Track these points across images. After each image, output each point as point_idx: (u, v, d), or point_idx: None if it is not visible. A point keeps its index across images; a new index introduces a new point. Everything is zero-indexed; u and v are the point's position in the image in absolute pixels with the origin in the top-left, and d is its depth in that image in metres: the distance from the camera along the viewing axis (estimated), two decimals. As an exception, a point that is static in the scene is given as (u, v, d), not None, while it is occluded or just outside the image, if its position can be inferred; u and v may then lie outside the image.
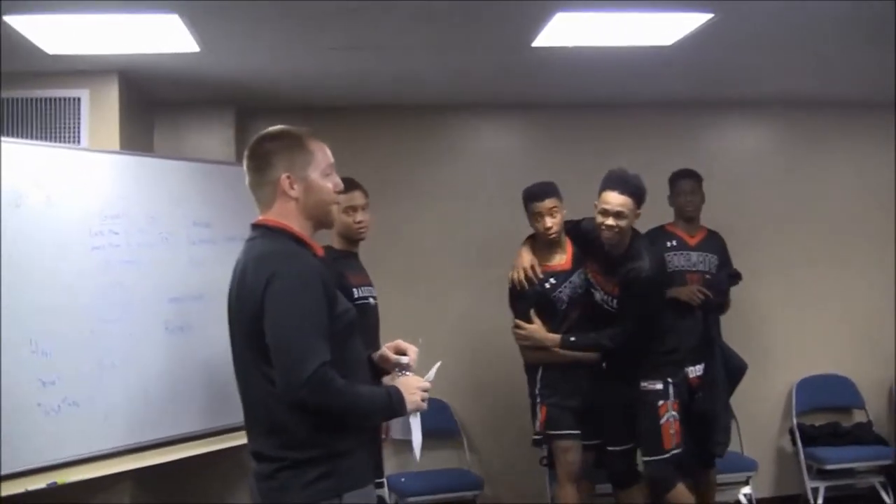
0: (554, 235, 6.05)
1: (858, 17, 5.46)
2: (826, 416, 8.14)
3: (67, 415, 5.26)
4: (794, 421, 7.99)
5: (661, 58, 6.29)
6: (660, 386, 5.98)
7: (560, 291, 6.13)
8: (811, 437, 7.87)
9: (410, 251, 7.70)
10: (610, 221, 5.72)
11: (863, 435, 7.90)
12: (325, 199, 3.53)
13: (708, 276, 6.90)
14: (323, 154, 3.55)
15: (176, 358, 5.88)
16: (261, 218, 3.57)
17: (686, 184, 6.97)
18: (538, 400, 6.24)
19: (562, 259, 6.18)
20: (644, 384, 5.98)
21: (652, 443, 5.99)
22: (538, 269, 6.10)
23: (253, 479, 3.47)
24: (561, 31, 5.58)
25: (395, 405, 3.44)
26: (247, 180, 3.62)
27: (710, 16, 5.35)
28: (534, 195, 6.04)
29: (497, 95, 7.71)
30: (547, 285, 6.14)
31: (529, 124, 8.21)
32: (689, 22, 5.51)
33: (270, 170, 3.49)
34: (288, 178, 3.46)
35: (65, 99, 6.21)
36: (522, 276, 6.09)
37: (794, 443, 7.89)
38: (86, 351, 5.39)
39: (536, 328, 6.11)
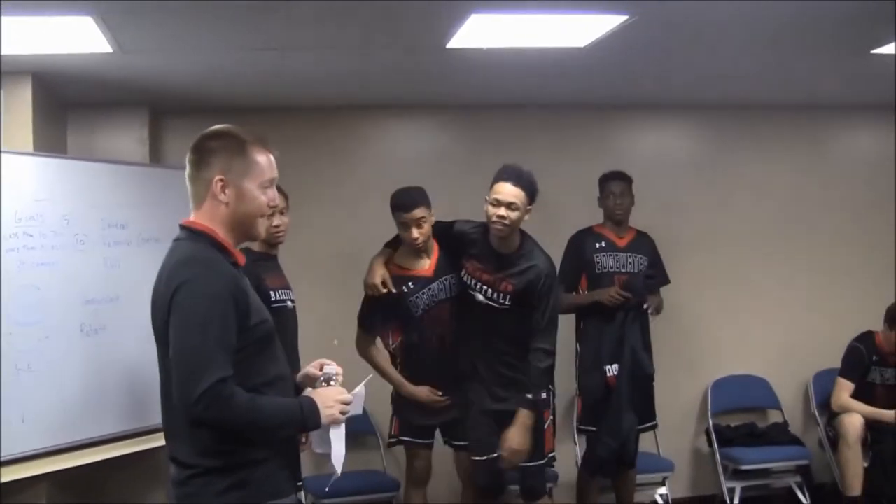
0: (419, 245, 5.94)
1: (768, 21, 5.53)
2: (742, 416, 8.22)
3: (-17, 417, 5.24)
4: (710, 421, 8.05)
5: (575, 59, 6.31)
6: (544, 395, 5.89)
7: (416, 297, 6.01)
8: (727, 437, 7.91)
9: (325, 253, 7.70)
10: (501, 212, 5.62)
11: (778, 435, 7.96)
12: (253, 212, 3.42)
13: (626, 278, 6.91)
14: (267, 164, 3.44)
15: (92, 360, 5.86)
16: (189, 218, 3.46)
17: (616, 185, 6.97)
18: (392, 411, 6.32)
19: (424, 265, 6.07)
20: (529, 395, 5.80)
21: (536, 449, 5.91)
22: (389, 284, 5.98)
23: (170, 484, 3.43)
24: (475, 33, 5.57)
25: (306, 418, 3.38)
26: (186, 171, 3.47)
27: (625, 17, 5.36)
28: (400, 205, 5.91)
29: (411, 96, 7.74)
30: (404, 289, 6.01)
31: (443, 125, 8.24)
32: (604, 23, 5.51)
33: (206, 168, 3.38)
34: (221, 181, 3.35)
35: (-23, 100, 6.15)
36: (371, 289, 6.01)
37: (710, 443, 7.93)
38: (1, 354, 5.35)
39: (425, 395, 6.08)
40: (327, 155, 7.91)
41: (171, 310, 3.21)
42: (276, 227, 5.58)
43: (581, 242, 6.95)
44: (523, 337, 5.86)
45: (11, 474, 5.38)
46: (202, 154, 3.41)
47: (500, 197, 5.65)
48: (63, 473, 5.76)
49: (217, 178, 3.35)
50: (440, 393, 6.05)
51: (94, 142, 7.20)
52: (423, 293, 6.01)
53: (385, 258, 6.10)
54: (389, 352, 6.20)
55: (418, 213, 5.86)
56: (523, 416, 5.77)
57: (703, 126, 8.52)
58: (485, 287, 5.88)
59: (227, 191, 3.36)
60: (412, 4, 5.07)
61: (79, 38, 5.40)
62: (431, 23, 5.44)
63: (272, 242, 5.71)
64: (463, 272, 5.97)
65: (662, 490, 7.63)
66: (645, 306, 6.91)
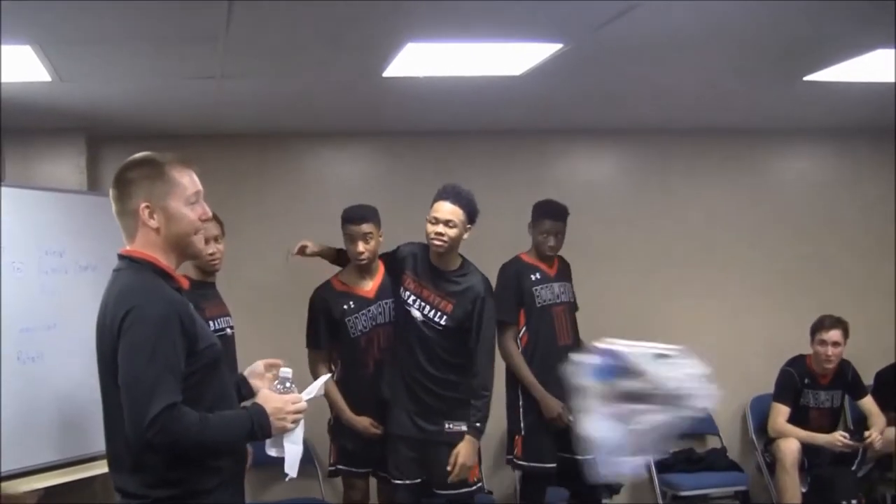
0: (364, 261, 6.01)
1: (704, 47, 5.61)
2: (680, 442, 8.11)
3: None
4: (648, 447, 8.04)
5: (511, 87, 6.37)
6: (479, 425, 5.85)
7: (355, 318, 6.08)
8: (665, 463, 7.83)
9: (259, 279, 7.70)
10: (439, 229, 5.66)
11: (717, 461, 7.98)
12: (185, 230, 3.42)
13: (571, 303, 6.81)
14: (189, 180, 3.44)
15: (29, 388, 5.82)
16: (126, 248, 3.46)
17: (550, 225, 6.67)
18: (330, 437, 6.36)
19: (366, 286, 6.14)
20: (450, 425, 5.85)
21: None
22: (311, 248, 6.12)
23: None
24: (411, 62, 5.61)
25: (256, 429, 3.38)
26: (113, 209, 3.48)
27: (559, 46, 5.41)
28: (350, 218, 6.00)
29: (346, 123, 7.79)
30: (344, 307, 6.07)
31: (378, 152, 8.31)
32: (540, 52, 5.56)
33: (130, 199, 3.39)
34: (147, 207, 3.36)
35: (-88, 128, 6.12)
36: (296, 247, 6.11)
37: (647, 469, 7.80)
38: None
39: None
40: (266, 182, 7.96)
41: (120, 338, 3.22)
42: (212, 254, 5.52)
43: (518, 274, 6.69)
44: (456, 363, 5.88)
45: (-52, 503, 5.35)
46: (123, 186, 3.43)
47: (438, 215, 5.69)
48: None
49: (143, 205, 3.37)
50: (378, 426, 6.07)
51: (31, 169, 7.18)
52: (362, 314, 6.06)
53: (325, 250, 6.23)
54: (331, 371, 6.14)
55: (366, 227, 5.94)
56: (471, 440, 5.80)
57: (642, 151, 8.58)
58: (423, 303, 5.87)
59: (154, 216, 3.37)
60: (349, 34, 5.12)
61: (17, 66, 5.39)
62: (368, 52, 5.47)
63: (208, 270, 5.69)
64: (402, 289, 5.95)
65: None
66: None
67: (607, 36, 5.20)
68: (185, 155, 3.50)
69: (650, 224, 8.38)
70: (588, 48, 5.49)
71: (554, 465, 6.54)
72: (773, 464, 7.61)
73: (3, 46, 4.99)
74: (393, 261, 6.09)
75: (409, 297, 5.92)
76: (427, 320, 5.86)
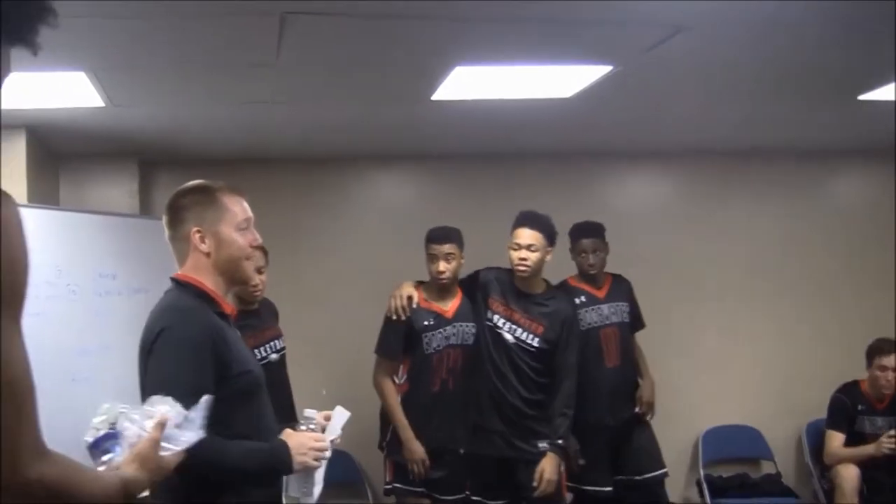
0: (445, 281, 6.03)
1: (755, 68, 5.59)
2: (734, 467, 8.14)
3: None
4: (702, 472, 7.96)
5: (560, 110, 6.38)
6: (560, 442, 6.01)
7: (432, 334, 6.04)
8: (719, 488, 7.81)
9: (312, 301, 7.68)
10: (522, 254, 5.87)
11: (771, 486, 7.90)
12: (235, 255, 3.45)
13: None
14: (239, 208, 3.48)
15: (83, 409, 5.86)
16: (177, 273, 3.50)
17: (587, 243, 6.68)
18: (385, 452, 6.24)
19: (446, 305, 6.12)
20: (537, 444, 5.98)
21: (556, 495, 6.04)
22: (415, 300, 6.05)
23: None
24: (460, 85, 5.63)
25: (276, 463, 3.39)
26: (165, 234, 3.53)
27: (609, 68, 5.41)
28: (434, 237, 6.02)
29: (396, 147, 7.83)
30: (424, 322, 6.04)
31: (428, 175, 8.33)
32: (590, 74, 5.56)
33: (182, 224, 3.44)
34: (198, 232, 3.40)
35: (-27, 154, 6.21)
36: (398, 303, 6.02)
37: (700, 494, 7.83)
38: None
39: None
40: (314, 206, 8.00)
41: (150, 357, 3.29)
42: (254, 286, 5.50)
43: None
44: (543, 384, 6.04)
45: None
46: (175, 212, 3.48)
47: (520, 241, 5.90)
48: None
49: (194, 229, 3.41)
50: (428, 463, 6.00)
51: (85, 193, 7.27)
52: (438, 332, 6.04)
53: (414, 285, 6.17)
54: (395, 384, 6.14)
55: (448, 247, 5.96)
56: (553, 457, 5.95)
57: (690, 172, 8.53)
58: (514, 326, 6.04)
59: (205, 240, 3.41)
60: (398, 58, 5.15)
61: (71, 93, 5.48)
62: (417, 75, 5.50)
63: (248, 300, 5.69)
64: (490, 313, 6.10)
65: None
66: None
67: (657, 58, 5.19)
68: (236, 182, 3.55)
69: (700, 247, 8.30)
70: (637, 70, 5.49)
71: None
72: (831, 490, 7.43)
73: (57, 73, 5.07)
74: (473, 285, 6.21)
75: (498, 320, 6.08)
76: (519, 342, 6.03)
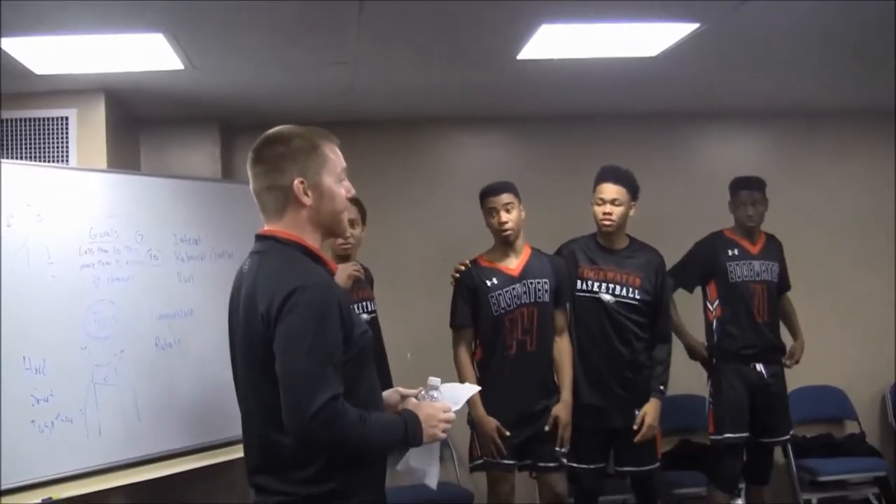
0: (508, 232, 5.84)
1: (848, 28, 5.46)
2: (818, 427, 8.10)
3: (61, 431, 5.27)
4: (787, 432, 7.93)
5: (646, 69, 6.30)
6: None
7: (498, 294, 5.87)
8: (803, 448, 7.77)
9: (399, 266, 7.65)
10: (606, 209, 5.92)
11: (855, 447, 7.86)
12: (337, 207, 3.29)
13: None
14: (336, 156, 3.31)
15: (166, 373, 5.89)
16: (268, 228, 3.29)
17: (747, 196, 6.69)
18: (470, 427, 6.02)
19: (511, 263, 5.93)
20: (661, 387, 6.05)
21: (648, 452, 6.07)
22: (467, 263, 5.98)
23: None
24: (546, 44, 5.57)
25: (409, 436, 3.21)
26: (252, 186, 3.31)
27: (696, 26, 5.33)
28: (489, 190, 5.90)
29: (482, 108, 7.75)
30: (487, 282, 5.89)
31: (514, 137, 8.24)
32: (676, 32, 5.49)
33: (280, 174, 3.21)
34: (301, 183, 3.20)
35: (53, 118, 6.22)
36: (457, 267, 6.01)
37: (785, 454, 7.73)
38: (78, 367, 5.39)
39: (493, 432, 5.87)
40: (399, 168, 7.97)
41: (279, 324, 3.03)
42: (346, 238, 5.44)
43: (713, 247, 6.72)
44: (645, 339, 6.06)
45: (89, 486, 5.42)
46: (271, 161, 3.26)
47: (603, 196, 5.97)
48: (138, 485, 5.79)
49: (297, 180, 3.20)
50: (507, 433, 5.84)
51: (166, 158, 7.28)
52: (506, 291, 5.87)
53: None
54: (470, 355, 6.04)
55: (505, 197, 5.84)
56: (655, 402, 6.02)
57: (779, 133, 8.43)
58: (611, 285, 6.04)
59: (308, 192, 3.22)
60: (483, 17, 5.08)
61: (150, 55, 5.47)
62: (503, 34, 5.44)
63: (339, 254, 5.66)
64: (581, 282, 6.08)
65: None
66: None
67: (744, 16, 5.10)
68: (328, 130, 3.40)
69: (785, 208, 8.05)
70: (724, 29, 5.40)
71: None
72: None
73: (135, 35, 5.04)
74: (569, 252, 6.18)
75: (593, 285, 6.08)
76: (620, 299, 6.02)
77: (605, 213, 5.93)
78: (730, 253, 6.64)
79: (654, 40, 5.70)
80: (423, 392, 3.47)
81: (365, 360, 3.25)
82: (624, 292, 6.01)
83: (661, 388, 6.02)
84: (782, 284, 6.84)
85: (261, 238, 3.32)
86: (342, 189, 3.31)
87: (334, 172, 3.29)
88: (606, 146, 7.82)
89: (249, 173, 3.31)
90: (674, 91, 7.25)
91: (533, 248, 6.03)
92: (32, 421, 5.15)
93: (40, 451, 5.17)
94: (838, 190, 8.39)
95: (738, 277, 6.61)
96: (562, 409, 5.90)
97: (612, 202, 5.91)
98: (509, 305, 5.89)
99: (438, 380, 3.50)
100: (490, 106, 7.66)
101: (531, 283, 5.91)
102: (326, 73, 6.22)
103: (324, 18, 5.00)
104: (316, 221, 3.27)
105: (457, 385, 3.64)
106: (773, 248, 6.83)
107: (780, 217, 7.60)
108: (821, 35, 5.65)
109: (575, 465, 6.08)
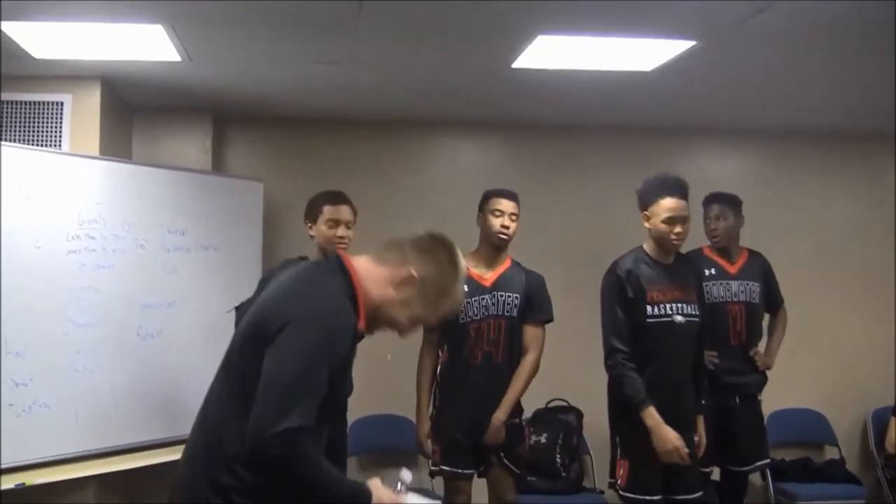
0: (505, 238, 5.75)
1: (842, 47, 5.50)
2: (797, 451, 8.05)
3: (38, 416, 5.29)
4: (765, 455, 7.91)
5: (640, 83, 6.32)
6: None
7: (467, 303, 5.68)
8: (782, 471, 7.71)
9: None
10: (678, 229, 5.31)
11: (835, 472, 7.79)
12: (391, 323, 3.30)
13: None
14: (453, 302, 3.38)
15: (146, 364, 5.90)
16: (353, 257, 3.33)
17: (712, 209, 6.55)
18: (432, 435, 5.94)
19: (486, 273, 5.81)
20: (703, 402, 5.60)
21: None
22: None
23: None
24: (542, 54, 5.60)
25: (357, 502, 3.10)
26: (379, 246, 3.37)
27: (692, 43, 5.37)
28: (501, 193, 5.78)
29: (473, 113, 7.74)
30: None
31: (506, 143, 8.23)
32: (671, 48, 5.52)
33: (404, 258, 3.30)
34: (412, 276, 3.25)
35: (49, 103, 6.23)
36: None
37: (763, 477, 7.69)
38: (58, 354, 5.42)
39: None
40: (389, 169, 7.95)
41: (285, 331, 2.98)
42: (340, 237, 5.38)
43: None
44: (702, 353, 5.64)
45: (63, 473, 5.42)
46: (417, 247, 3.35)
47: (675, 214, 5.30)
48: (112, 475, 5.79)
49: (412, 273, 3.26)
50: (431, 447, 5.83)
51: (157, 148, 7.25)
52: (474, 301, 5.76)
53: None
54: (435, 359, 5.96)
55: (513, 206, 5.75)
56: (702, 420, 5.57)
57: (765, 152, 8.43)
58: (680, 305, 5.45)
59: (405, 289, 3.26)
60: (481, 23, 5.10)
61: (148, 46, 5.48)
62: (499, 42, 5.46)
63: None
64: (651, 307, 5.40)
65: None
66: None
67: (740, 34, 5.15)
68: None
69: (773, 226, 8.10)
70: (719, 47, 5.43)
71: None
72: (894, 480, 7.39)
73: (134, 25, 5.05)
74: (617, 276, 5.53)
75: (664, 309, 5.43)
76: (688, 317, 5.44)
77: (676, 234, 5.31)
78: (706, 273, 6.37)
79: (650, 56, 5.73)
80: (395, 482, 3.42)
81: (333, 413, 3.16)
82: (690, 310, 5.47)
83: (703, 402, 5.61)
84: (770, 302, 6.69)
85: (334, 258, 3.34)
86: (409, 322, 3.33)
87: (441, 311, 3.35)
88: (592, 158, 7.94)
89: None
90: (665, 105, 7.27)
91: (513, 261, 5.93)
92: (10, 405, 5.17)
93: (16, 436, 5.18)
94: (820, 210, 8.42)
95: (715, 298, 6.40)
96: (492, 432, 5.70)
97: (684, 220, 5.33)
98: (476, 315, 5.79)
99: (410, 475, 3.47)
100: (481, 111, 7.65)
101: (501, 295, 5.82)
102: (320, 71, 6.22)
103: (323, 18, 5.01)
104: (378, 305, 3.26)
105: (424, 501, 3.59)
106: (755, 267, 6.63)
107: (761, 234, 7.59)
108: (812, 56, 5.70)
109: (637, 496, 5.48)
